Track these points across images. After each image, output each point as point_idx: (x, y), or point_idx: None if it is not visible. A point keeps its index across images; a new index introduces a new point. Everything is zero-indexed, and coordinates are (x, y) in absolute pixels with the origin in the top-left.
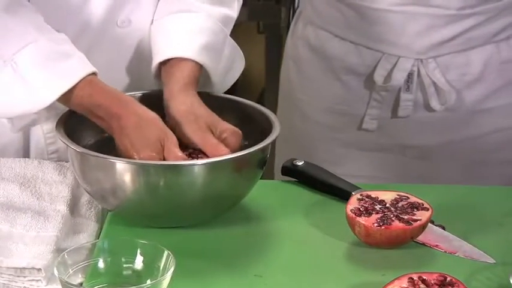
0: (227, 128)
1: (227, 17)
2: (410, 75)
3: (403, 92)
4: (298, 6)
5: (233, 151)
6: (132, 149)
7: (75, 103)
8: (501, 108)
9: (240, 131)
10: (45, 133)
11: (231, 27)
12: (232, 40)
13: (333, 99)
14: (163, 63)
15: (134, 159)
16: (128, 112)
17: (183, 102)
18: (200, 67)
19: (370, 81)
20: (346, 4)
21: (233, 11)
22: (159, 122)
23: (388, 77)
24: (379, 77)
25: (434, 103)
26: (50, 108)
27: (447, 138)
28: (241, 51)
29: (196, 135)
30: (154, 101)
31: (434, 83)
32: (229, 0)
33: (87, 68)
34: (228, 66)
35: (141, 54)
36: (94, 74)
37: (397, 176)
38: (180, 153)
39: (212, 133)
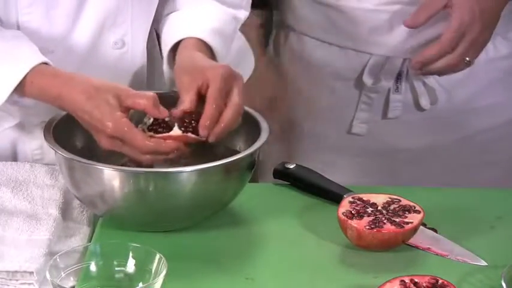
0: (232, 96)
1: (235, 16)
2: (399, 76)
3: (392, 93)
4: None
5: (225, 127)
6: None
7: (29, 91)
8: (489, 107)
9: (242, 109)
10: (32, 150)
11: (239, 25)
12: (243, 36)
13: (321, 106)
14: (174, 49)
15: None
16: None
17: (189, 55)
18: (210, 50)
19: (358, 85)
20: (331, 7)
21: (240, 14)
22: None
23: (378, 78)
24: (368, 78)
25: (424, 102)
26: (13, 102)
27: (437, 139)
28: (251, 51)
29: (183, 86)
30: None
31: (423, 82)
32: (236, 5)
33: (38, 57)
34: (237, 62)
35: (137, 75)
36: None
37: (387, 181)
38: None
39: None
